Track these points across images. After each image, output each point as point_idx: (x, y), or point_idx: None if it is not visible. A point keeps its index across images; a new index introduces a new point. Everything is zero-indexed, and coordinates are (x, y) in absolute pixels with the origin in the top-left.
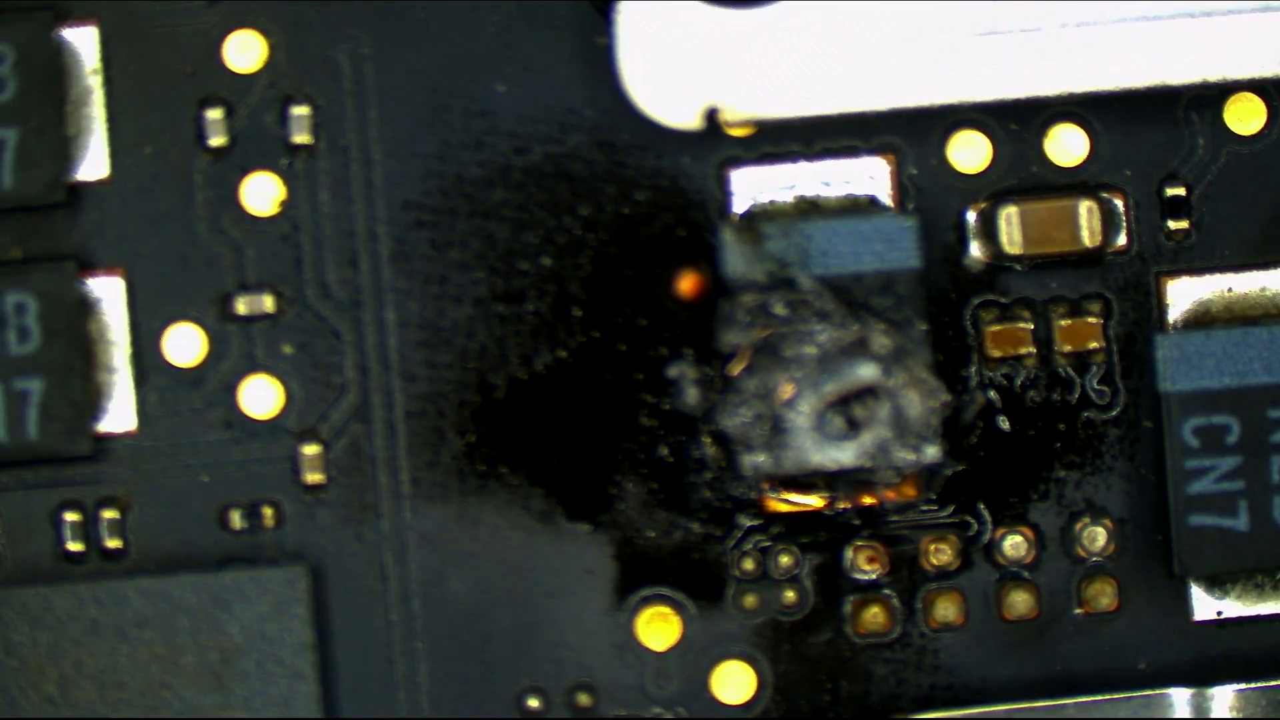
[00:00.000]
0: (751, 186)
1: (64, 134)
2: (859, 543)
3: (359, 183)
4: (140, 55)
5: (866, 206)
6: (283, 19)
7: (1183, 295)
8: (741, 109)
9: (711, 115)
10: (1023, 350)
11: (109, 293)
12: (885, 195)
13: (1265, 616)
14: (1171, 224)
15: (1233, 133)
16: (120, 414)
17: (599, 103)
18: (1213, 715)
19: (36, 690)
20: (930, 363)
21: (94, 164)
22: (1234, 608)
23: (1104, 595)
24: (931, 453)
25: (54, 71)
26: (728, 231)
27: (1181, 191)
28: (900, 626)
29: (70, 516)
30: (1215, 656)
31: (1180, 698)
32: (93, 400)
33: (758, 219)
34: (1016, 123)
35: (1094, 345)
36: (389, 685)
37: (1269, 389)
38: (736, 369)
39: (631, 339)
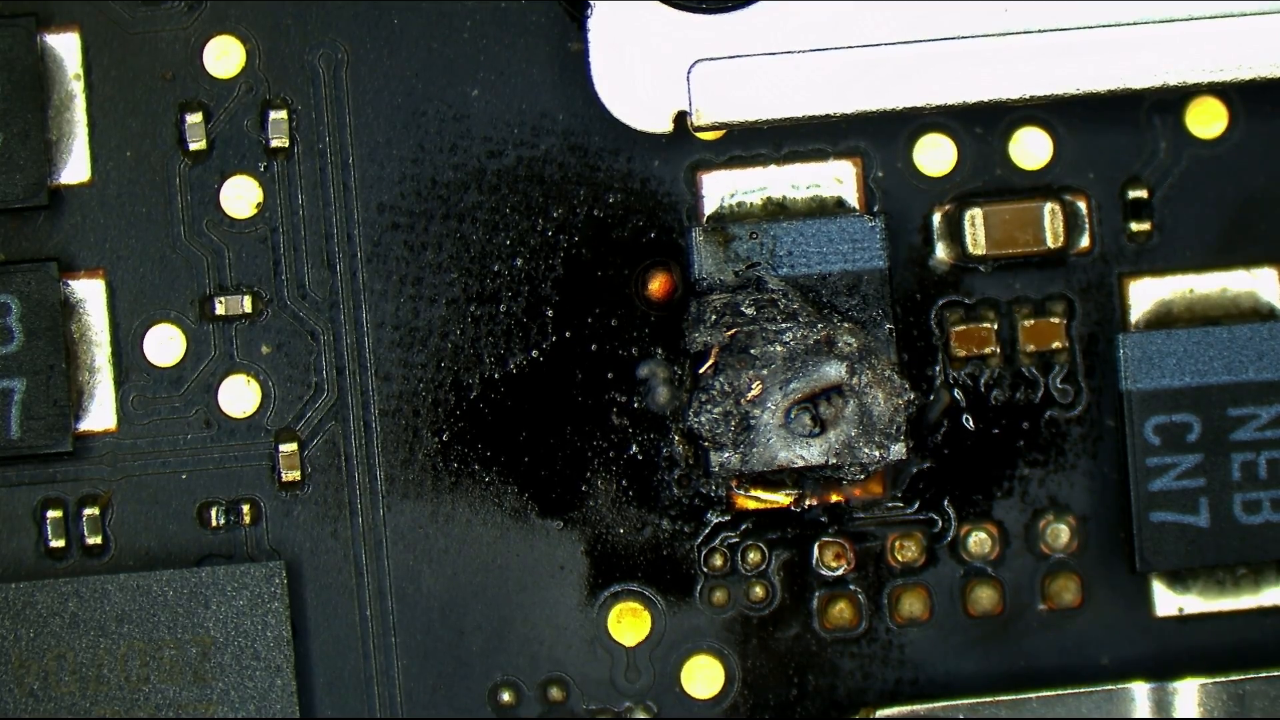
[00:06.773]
0: (721, 189)
1: (46, 138)
2: (826, 539)
3: (336, 186)
4: (121, 61)
5: (834, 208)
6: (261, 25)
7: (1145, 296)
8: (711, 113)
9: (681, 119)
10: (987, 350)
11: (90, 294)
12: (852, 197)
13: (1226, 612)
14: (1134, 225)
15: (1194, 136)
16: (101, 413)
17: (571, 107)
18: (1174, 710)
19: (19, 684)
20: (896, 362)
21: (75, 168)
22: (1195, 603)
23: (1067, 591)
24: (897, 450)
25: (36, 77)
26: (697, 233)
27: (1143, 194)
28: (867, 622)
29: (52, 513)
30: (1176, 652)
31: (1141, 692)
32: (74, 399)
33: (726, 221)
34: (981, 126)
35: (1057, 345)
36: (364, 680)
37: (1229, 388)
38: (705, 368)
39: (602, 339)
